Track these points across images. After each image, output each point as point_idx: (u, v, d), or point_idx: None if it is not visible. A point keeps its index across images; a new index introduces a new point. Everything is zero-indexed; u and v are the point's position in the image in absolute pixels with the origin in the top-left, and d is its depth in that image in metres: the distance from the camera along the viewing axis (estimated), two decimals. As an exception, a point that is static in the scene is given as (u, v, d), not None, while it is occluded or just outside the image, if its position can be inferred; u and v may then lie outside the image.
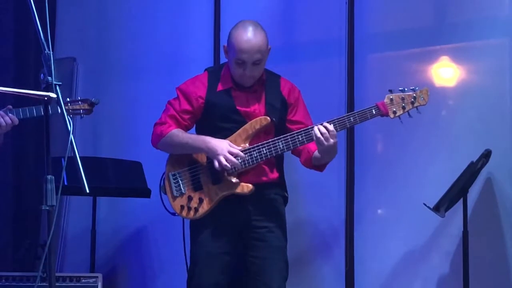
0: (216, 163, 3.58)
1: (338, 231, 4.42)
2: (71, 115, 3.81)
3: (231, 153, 3.57)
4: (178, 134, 3.70)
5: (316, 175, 3.88)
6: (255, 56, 3.59)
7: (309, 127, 3.59)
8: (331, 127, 3.50)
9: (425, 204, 3.85)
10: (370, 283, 4.35)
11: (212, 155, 3.61)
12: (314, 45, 4.63)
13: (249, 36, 3.59)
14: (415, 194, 4.16)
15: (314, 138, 3.51)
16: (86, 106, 3.88)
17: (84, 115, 3.89)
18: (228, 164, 3.57)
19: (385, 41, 4.46)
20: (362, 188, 4.40)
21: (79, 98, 3.94)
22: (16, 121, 3.66)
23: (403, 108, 3.57)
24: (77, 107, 3.87)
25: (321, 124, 3.53)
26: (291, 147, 3.61)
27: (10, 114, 3.65)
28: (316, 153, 3.65)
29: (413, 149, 4.25)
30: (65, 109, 2.61)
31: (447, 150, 4.16)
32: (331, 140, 3.50)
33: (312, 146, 3.64)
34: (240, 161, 3.58)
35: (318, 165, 3.73)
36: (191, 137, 3.70)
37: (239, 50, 3.58)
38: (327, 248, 4.54)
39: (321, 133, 3.50)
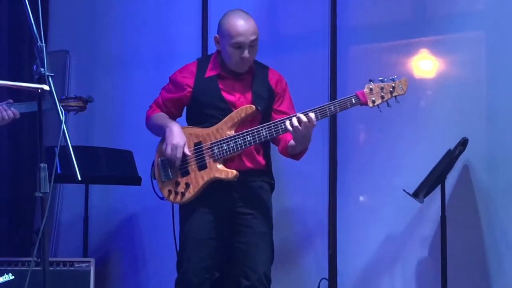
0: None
1: (322, 217, 4.46)
2: (66, 112, 3.87)
3: (175, 147, 3.66)
4: (156, 117, 3.84)
5: (300, 164, 3.93)
6: (251, 37, 3.65)
7: (291, 115, 3.62)
8: (312, 116, 3.56)
9: (404, 191, 3.91)
10: (352, 267, 4.41)
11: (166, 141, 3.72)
12: (298, 37, 4.67)
13: (243, 19, 3.67)
14: (395, 181, 4.21)
15: (289, 127, 3.58)
16: (80, 104, 3.97)
17: (78, 112, 3.97)
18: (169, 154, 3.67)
19: (366, 34, 4.49)
20: (344, 175, 4.45)
21: (74, 95, 4.02)
22: (18, 114, 3.72)
23: (382, 97, 3.60)
24: (72, 103, 3.95)
25: (302, 112, 3.58)
26: (274, 135, 3.65)
27: (12, 108, 3.70)
28: (291, 141, 3.71)
29: (393, 138, 4.30)
30: (60, 106, 2.66)
31: (426, 139, 4.20)
32: (304, 130, 3.55)
33: (288, 135, 3.69)
34: (178, 160, 3.67)
35: (293, 154, 3.78)
36: (163, 122, 3.79)
37: (236, 33, 3.64)
38: (311, 234, 4.59)
39: (293, 125, 3.57)
